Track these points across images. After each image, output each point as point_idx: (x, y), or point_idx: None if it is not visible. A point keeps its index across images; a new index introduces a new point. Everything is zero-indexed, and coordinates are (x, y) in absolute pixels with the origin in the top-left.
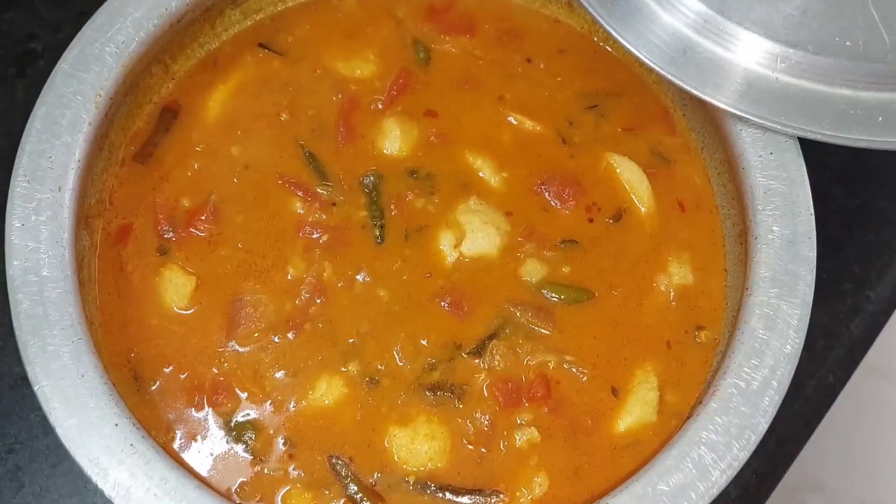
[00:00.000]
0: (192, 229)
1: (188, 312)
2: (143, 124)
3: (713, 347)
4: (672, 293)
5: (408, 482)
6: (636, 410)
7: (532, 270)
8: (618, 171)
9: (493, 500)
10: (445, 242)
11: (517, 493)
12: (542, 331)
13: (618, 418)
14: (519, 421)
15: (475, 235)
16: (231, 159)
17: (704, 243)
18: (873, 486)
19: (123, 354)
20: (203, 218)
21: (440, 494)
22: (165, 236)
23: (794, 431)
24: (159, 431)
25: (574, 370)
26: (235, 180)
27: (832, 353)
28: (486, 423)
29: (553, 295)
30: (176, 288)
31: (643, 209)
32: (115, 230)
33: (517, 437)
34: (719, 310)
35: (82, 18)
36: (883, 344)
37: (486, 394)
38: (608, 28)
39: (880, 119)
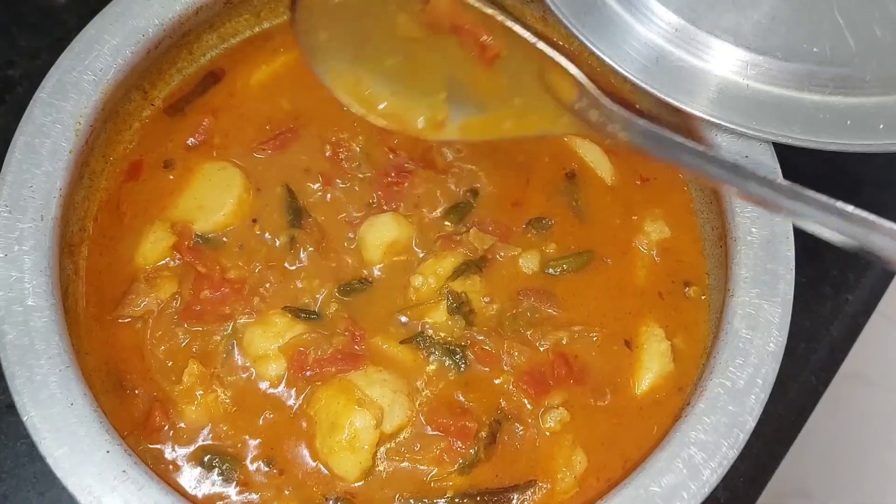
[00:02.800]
0: None
1: None
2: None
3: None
4: (654, 250)
5: (450, 498)
6: (654, 365)
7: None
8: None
9: (530, 492)
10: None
11: (559, 476)
12: (552, 311)
13: (640, 377)
14: (548, 404)
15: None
16: None
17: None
18: (857, 490)
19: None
20: None
21: (479, 499)
22: None
23: (779, 434)
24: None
25: (586, 335)
26: None
27: (814, 356)
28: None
29: (557, 269)
30: None
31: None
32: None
33: (549, 421)
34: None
35: (60, 45)
36: (862, 346)
37: (513, 389)
38: (583, 39)
39: (848, 122)
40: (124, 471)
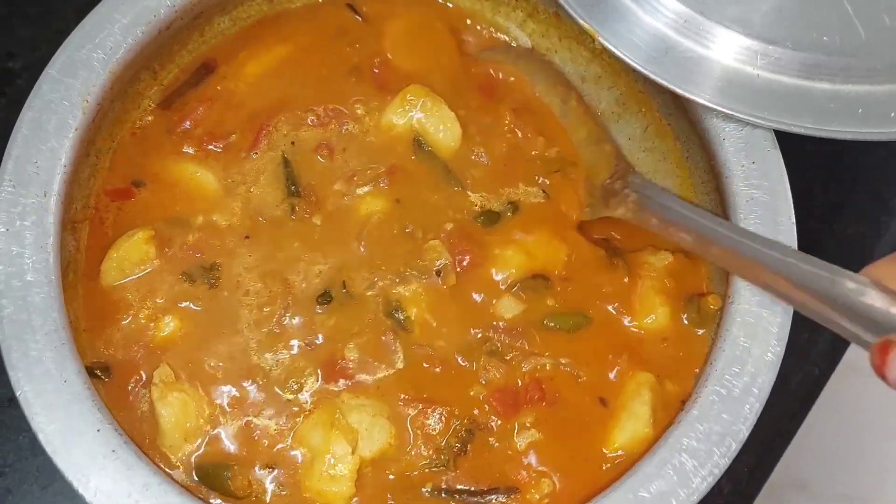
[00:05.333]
0: None
1: None
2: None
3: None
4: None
5: (425, 490)
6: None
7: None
8: None
9: (511, 497)
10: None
11: (527, 496)
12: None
13: (613, 437)
14: (519, 423)
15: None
16: None
17: None
18: (854, 480)
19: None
20: None
21: (458, 497)
22: None
23: (781, 425)
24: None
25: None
26: None
27: (815, 347)
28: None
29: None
30: None
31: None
32: None
33: (519, 441)
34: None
35: (60, 37)
36: None
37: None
38: (591, 30)
39: (859, 111)
40: (114, 450)
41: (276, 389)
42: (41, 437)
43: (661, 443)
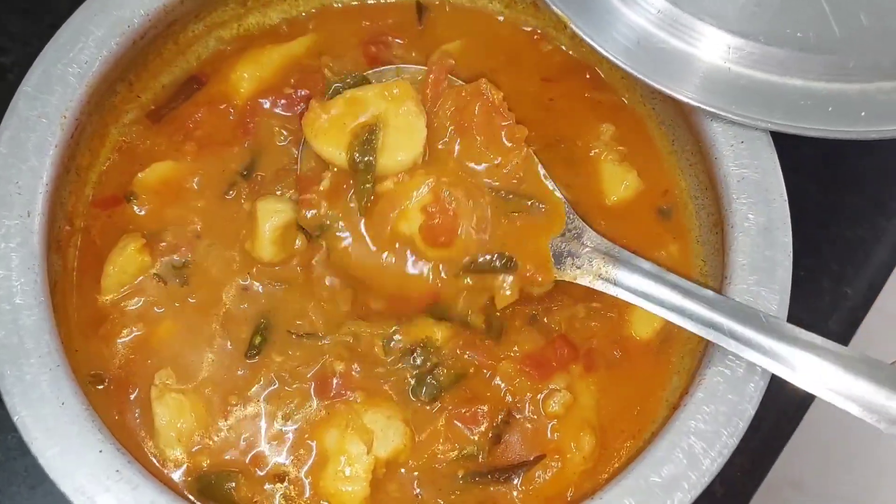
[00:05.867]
0: None
1: None
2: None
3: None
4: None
5: (457, 476)
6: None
7: None
8: None
9: (540, 471)
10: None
11: (568, 456)
12: None
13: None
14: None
15: None
16: None
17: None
18: (850, 481)
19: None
20: None
21: (490, 478)
22: None
23: (777, 428)
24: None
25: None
26: None
27: None
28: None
29: None
30: None
31: None
32: None
33: (552, 405)
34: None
35: (52, 32)
36: (861, 340)
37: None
38: (573, 26)
39: (830, 109)
40: (118, 470)
41: (286, 388)
42: (42, 461)
43: (669, 426)
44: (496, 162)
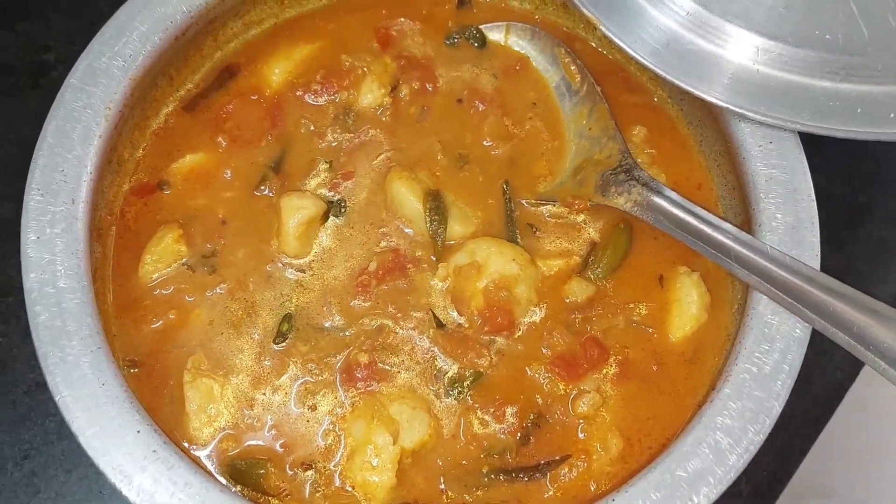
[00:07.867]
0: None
1: None
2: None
3: None
4: None
5: (482, 473)
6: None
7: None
8: None
9: (566, 469)
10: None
11: (594, 457)
12: None
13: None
14: (582, 388)
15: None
16: None
17: None
18: (876, 487)
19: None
20: None
21: (515, 476)
22: None
23: (803, 428)
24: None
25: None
26: None
27: (839, 351)
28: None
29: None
30: None
31: None
32: None
33: (581, 406)
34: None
35: (94, 30)
36: None
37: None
38: (602, 28)
39: (859, 110)
40: (154, 451)
41: (312, 378)
42: (82, 440)
43: (696, 422)
44: None
